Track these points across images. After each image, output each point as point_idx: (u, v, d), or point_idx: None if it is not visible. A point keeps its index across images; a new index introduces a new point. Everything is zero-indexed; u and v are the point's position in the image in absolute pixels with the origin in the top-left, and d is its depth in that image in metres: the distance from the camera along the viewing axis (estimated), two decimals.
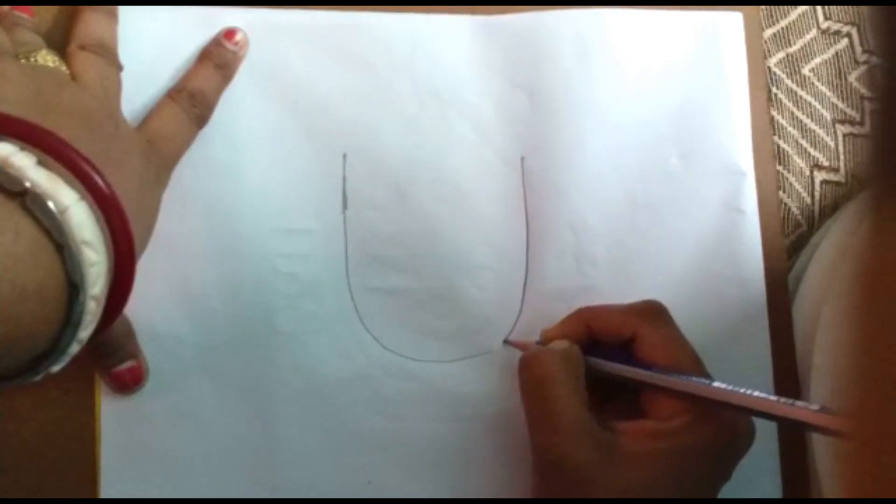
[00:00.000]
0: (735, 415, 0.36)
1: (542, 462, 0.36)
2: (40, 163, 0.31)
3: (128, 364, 0.39)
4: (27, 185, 0.30)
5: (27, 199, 0.30)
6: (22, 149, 0.31)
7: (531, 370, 0.37)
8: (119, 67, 0.39)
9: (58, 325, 0.31)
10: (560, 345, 0.38)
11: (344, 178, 0.42)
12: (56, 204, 0.30)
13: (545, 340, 0.39)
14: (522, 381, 0.37)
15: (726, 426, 0.36)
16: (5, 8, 0.38)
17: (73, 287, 0.31)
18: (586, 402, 0.36)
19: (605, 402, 0.38)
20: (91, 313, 0.32)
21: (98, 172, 0.32)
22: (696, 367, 0.37)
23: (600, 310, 0.39)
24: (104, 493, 0.39)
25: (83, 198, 0.31)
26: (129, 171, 0.34)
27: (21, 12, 0.38)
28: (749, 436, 0.37)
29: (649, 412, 0.37)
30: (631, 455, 0.35)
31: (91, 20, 0.39)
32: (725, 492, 0.42)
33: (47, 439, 0.39)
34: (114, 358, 0.39)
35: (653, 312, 0.39)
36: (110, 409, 0.39)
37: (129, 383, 0.39)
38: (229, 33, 0.41)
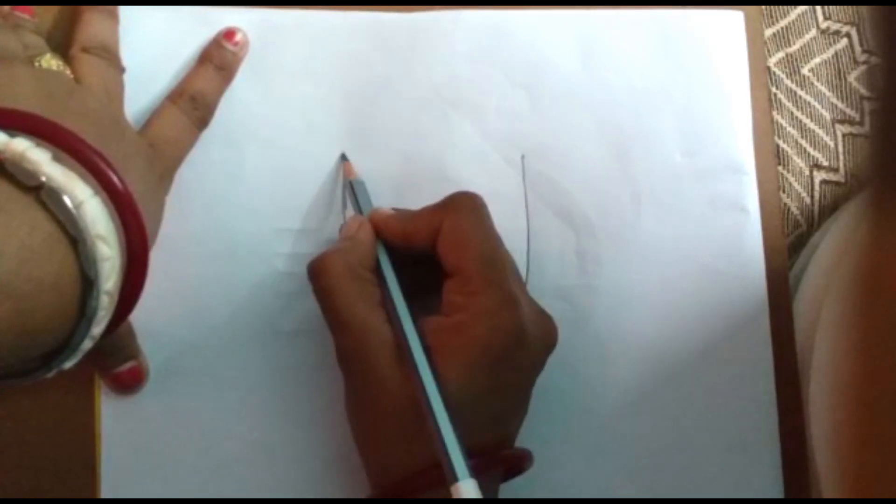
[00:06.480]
0: (510, 317, 0.35)
1: (340, 362, 0.37)
2: (55, 158, 0.31)
3: (128, 365, 0.39)
4: (43, 179, 0.30)
5: (42, 194, 0.30)
6: (37, 144, 0.31)
7: (315, 281, 0.37)
8: (121, 70, 0.39)
9: (71, 319, 0.31)
10: (349, 231, 0.38)
11: (344, 178, 0.42)
12: (71, 198, 0.30)
13: (371, 218, 0.39)
14: (313, 289, 0.37)
15: (498, 326, 0.35)
16: (6, 8, 0.38)
17: (88, 281, 0.31)
18: (374, 298, 0.37)
19: (428, 291, 0.38)
20: (104, 308, 0.32)
21: (112, 168, 0.32)
22: (483, 271, 0.36)
23: (406, 214, 0.39)
24: (104, 493, 0.39)
25: (97, 193, 0.31)
26: (134, 174, 0.35)
27: (22, 13, 0.38)
28: (539, 337, 0.37)
29: (442, 305, 0.37)
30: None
31: (93, 21, 0.39)
32: (726, 492, 0.42)
33: (47, 439, 0.39)
34: (114, 359, 0.39)
35: (456, 205, 0.38)
36: (110, 409, 0.39)
37: (129, 384, 0.39)
38: (229, 34, 0.41)
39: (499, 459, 0.36)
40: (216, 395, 0.40)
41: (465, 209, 0.37)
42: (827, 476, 0.38)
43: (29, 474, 0.39)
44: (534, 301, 0.38)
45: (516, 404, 0.37)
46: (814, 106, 0.45)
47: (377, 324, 0.36)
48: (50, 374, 0.32)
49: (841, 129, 0.45)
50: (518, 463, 0.37)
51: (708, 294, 0.43)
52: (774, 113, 0.45)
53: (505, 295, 0.36)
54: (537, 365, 0.37)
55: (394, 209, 0.40)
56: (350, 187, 0.41)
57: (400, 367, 0.35)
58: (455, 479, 0.32)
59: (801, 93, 0.45)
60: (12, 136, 0.31)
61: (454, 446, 0.33)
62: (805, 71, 0.45)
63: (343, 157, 0.42)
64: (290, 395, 0.41)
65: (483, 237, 0.37)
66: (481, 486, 0.32)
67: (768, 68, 0.45)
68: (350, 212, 0.41)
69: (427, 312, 0.37)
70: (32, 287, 0.29)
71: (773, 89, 0.45)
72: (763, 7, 0.45)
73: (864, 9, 0.45)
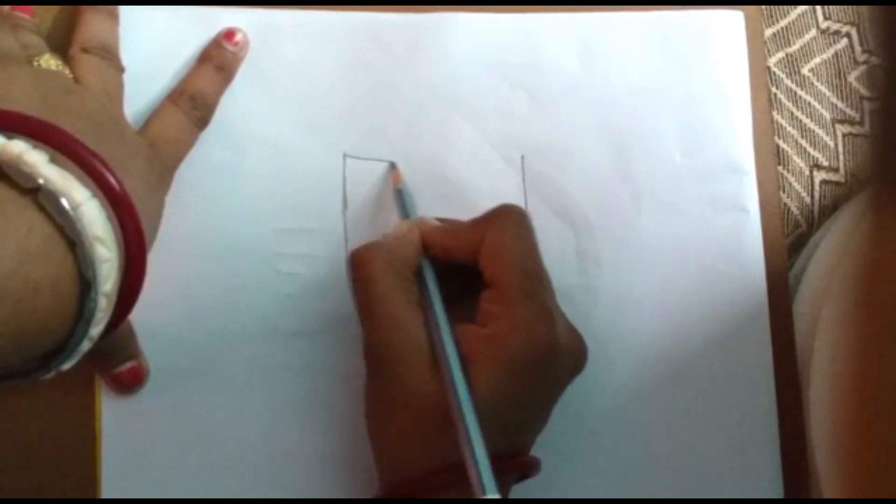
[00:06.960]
0: (546, 332, 0.35)
1: (367, 357, 0.37)
2: (52, 160, 0.31)
3: (128, 365, 0.39)
4: (40, 181, 0.30)
5: (40, 196, 0.30)
6: (35, 146, 0.31)
7: (356, 270, 0.37)
8: (121, 70, 0.39)
9: (70, 321, 0.31)
10: (399, 231, 0.38)
11: (344, 178, 0.42)
12: (69, 200, 0.30)
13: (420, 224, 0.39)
14: (351, 279, 0.38)
15: (532, 339, 0.35)
16: (6, 8, 0.38)
17: (86, 283, 0.31)
18: (413, 297, 0.37)
19: (466, 298, 0.38)
20: (102, 310, 0.32)
21: (109, 170, 0.32)
22: (521, 284, 0.36)
23: (450, 228, 0.39)
24: (104, 493, 0.39)
25: (95, 195, 0.31)
26: (134, 174, 0.35)
27: (22, 13, 0.38)
28: (570, 354, 0.37)
29: (476, 314, 0.37)
30: None
31: (93, 21, 0.39)
32: (726, 492, 0.42)
33: (47, 439, 0.39)
34: (114, 358, 0.39)
35: (499, 218, 0.38)
36: (110, 409, 0.39)
37: (129, 384, 0.39)
38: (229, 34, 0.41)
39: (510, 466, 0.36)
40: (216, 395, 0.40)
41: (507, 222, 0.38)
42: (827, 476, 0.38)
43: (29, 474, 0.39)
44: (567, 318, 0.38)
45: (537, 416, 0.37)
46: (814, 106, 0.45)
47: (411, 321, 0.36)
48: (49, 375, 0.32)
49: (841, 129, 0.45)
50: (526, 470, 0.37)
51: (708, 294, 0.43)
52: (774, 113, 0.45)
53: (541, 308, 0.36)
54: (565, 379, 0.38)
55: (438, 219, 0.40)
56: (399, 195, 0.41)
57: (428, 368, 0.35)
58: (483, 493, 0.32)
59: (801, 93, 0.45)
60: (10, 137, 0.31)
61: (484, 459, 0.33)
62: (805, 71, 0.45)
63: (392, 165, 0.42)
64: (289, 395, 0.40)
65: (524, 250, 0.37)
66: None
67: (768, 68, 0.45)
68: (350, 212, 0.41)
69: (461, 320, 0.37)
70: (30, 289, 0.29)
71: (773, 89, 0.45)
72: (763, 7, 0.45)
73: (864, 9, 0.45)
